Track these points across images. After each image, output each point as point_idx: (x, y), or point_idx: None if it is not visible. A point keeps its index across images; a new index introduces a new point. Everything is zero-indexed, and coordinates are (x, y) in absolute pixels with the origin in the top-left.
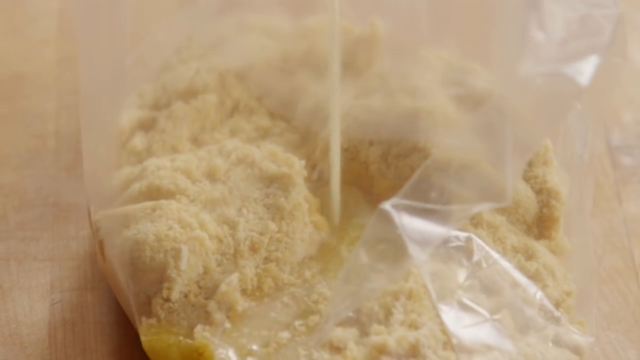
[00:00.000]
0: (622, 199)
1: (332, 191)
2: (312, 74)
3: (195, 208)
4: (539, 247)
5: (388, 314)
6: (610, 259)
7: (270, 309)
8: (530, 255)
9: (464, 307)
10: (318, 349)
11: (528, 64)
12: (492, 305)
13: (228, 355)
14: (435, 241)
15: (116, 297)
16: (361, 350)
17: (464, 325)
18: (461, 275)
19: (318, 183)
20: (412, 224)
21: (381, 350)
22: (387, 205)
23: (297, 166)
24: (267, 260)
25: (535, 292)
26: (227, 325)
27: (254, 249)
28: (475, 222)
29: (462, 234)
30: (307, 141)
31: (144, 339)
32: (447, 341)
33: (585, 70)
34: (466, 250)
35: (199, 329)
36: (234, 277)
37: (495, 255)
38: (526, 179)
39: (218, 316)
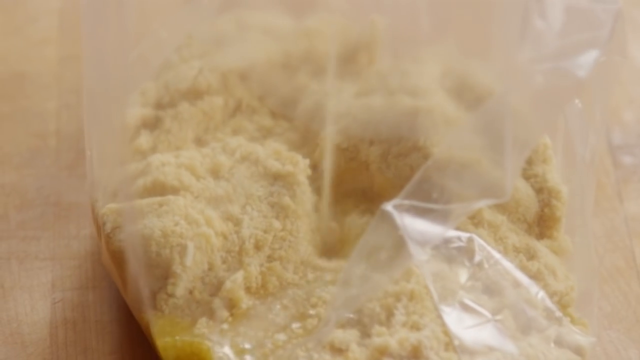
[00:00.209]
0: (623, 198)
1: (324, 191)
2: (313, 73)
3: (200, 204)
4: (540, 246)
5: (390, 315)
6: (611, 258)
7: (269, 311)
8: (531, 255)
9: (465, 308)
10: (318, 350)
11: (528, 51)
12: (493, 306)
13: (225, 353)
14: (436, 240)
15: (117, 296)
16: (363, 351)
17: (466, 326)
18: (463, 275)
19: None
20: (413, 225)
21: (383, 351)
22: (388, 207)
23: (301, 165)
24: (270, 258)
25: (537, 293)
26: (225, 325)
27: (258, 246)
28: (476, 222)
29: (464, 235)
30: (307, 140)
31: (158, 341)
32: (449, 342)
33: (584, 64)
34: (468, 251)
35: (202, 322)
36: (239, 275)
37: (497, 255)
38: (526, 177)
39: (222, 313)
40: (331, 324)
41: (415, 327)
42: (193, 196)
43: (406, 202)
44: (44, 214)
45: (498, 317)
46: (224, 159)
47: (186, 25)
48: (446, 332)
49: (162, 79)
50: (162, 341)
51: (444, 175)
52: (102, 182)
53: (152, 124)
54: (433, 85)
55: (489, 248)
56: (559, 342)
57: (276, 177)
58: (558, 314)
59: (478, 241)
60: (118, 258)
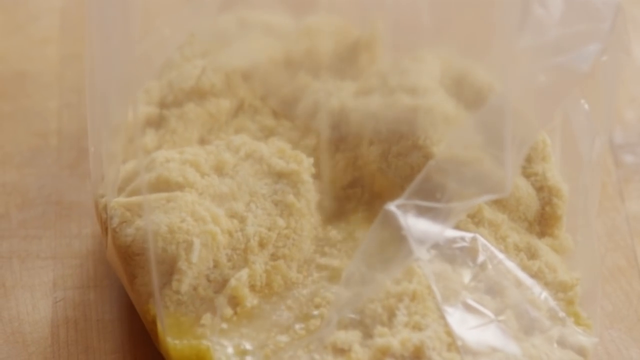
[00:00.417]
0: (624, 198)
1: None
2: (313, 72)
3: (205, 201)
4: (541, 245)
5: (391, 315)
6: (613, 257)
7: (273, 311)
8: (532, 254)
9: (468, 308)
10: (320, 351)
11: (528, 39)
12: (496, 306)
13: (226, 353)
14: (437, 238)
15: (119, 295)
16: (365, 352)
17: (469, 326)
18: (466, 276)
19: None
20: (417, 225)
21: (385, 352)
22: (392, 206)
23: (305, 163)
24: (274, 256)
25: (540, 293)
26: (224, 325)
27: (262, 244)
28: (477, 221)
29: (468, 235)
30: (307, 139)
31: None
32: (452, 343)
33: (585, 58)
34: (471, 251)
35: (206, 318)
36: (244, 273)
37: (500, 255)
38: (526, 175)
39: (226, 311)
40: (333, 324)
41: (418, 328)
42: (197, 193)
43: (409, 201)
44: (45, 213)
45: (501, 318)
46: (228, 157)
47: (189, 24)
48: (449, 332)
49: (166, 78)
50: (167, 342)
51: (446, 174)
52: (106, 178)
53: (157, 123)
54: (432, 83)
55: (492, 248)
56: (562, 343)
57: (280, 175)
58: (561, 314)
59: (481, 241)
60: (124, 253)
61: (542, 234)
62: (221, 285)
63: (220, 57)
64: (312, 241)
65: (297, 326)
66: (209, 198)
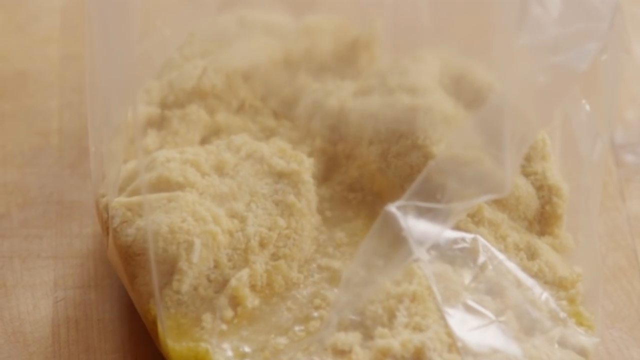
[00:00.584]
0: (625, 197)
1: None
2: (313, 72)
3: (205, 201)
4: (542, 244)
5: (392, 316)
6: (613, 257)
7: (273, 313)
8: (532, 253)
9: (469, 309)
10: (320, 353)
11: (526, 37)
12: (497, 307)
13: (225, 356)
14: (437, 238)
15: (120, 294)
16: (366, 353)
17: (470, 328)
18: (466, 277)
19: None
20: (417, 226)
21: (386, 353)
22: (392, 208)
23: (306, 163)
24: (275, 256)
25: (541, 294)
26: (224, 327)
27: (262, 244)
28: (477, 220)
29: (468, 236)
30: (307, 139)
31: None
32: (453, 344)
33: (583, 57)
34: (472, 252)
35: (206, 318)
36: (245, 273)
37: (500, 256)
38: (526, 174)
39: (227, 313)
40: (332, 325)
41: (418, 329)
42: (198, 193)
43: (410, 203)
44: (46, 213)
45: (501, 319)
46: (228, 156)
47: (189, 23)
48: (449, 333)
49: (166, 78)
50: (167, 344)
51: (446, 174)
52: (107, 177)
53: (158, 123)
54: (432, 83)
55: (492, 249)
56: (563, 343)
57: (281, 175)
58: (562, 314)
59: (482, 242)
60: (125, 253)
61: (542, 233)
62: (222, 285)
63: (220, 58)
64: (312, 241)
65: (297, 328)
66: (209, 198)
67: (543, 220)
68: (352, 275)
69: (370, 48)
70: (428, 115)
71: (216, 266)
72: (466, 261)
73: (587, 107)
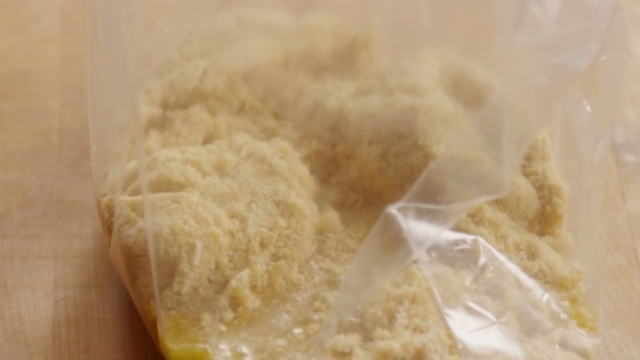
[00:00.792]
0: (625, 197)
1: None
2: (313, 72)
3: (206, 201)
4: (542, 244)
5: (392, 318)
6: (614, 256)
7: (272, 315)
8: (532, 253)
9: (469, 310)
10: (319, 355)
11: (524, 37)
12: (498, 308)
13: (224, 357)
14: (436, 239)
15: (120, 294)
16: (367, 355)
17: (470, 329)
18: (467, 278)
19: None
20: (417, 227)
21: (386, 355)
22: (392, 209)
23: (300, 172)
24: (275, 256)
25: (542, 295)
26: (223, 328)
27: (263, 244)
28: (477, 220)
29: (469, 237)
30: (307, 140)
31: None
32: (453, 345)
33: (582, 56)
34: (472, 253)
35: (206, 318)
36: (245, 273)
37: (501, 257)
38: (526, 174)
39: (227, 314)
40: (332, 327)
41: (418, 330)
42: (199, 193)
43: (410, 204)
44: (46, 213)
45: (502, 320)
46: (229, 156)
47: (189, 22)
48: (450, 334)
49: (167, 78)
50: (166, 345)
51: (446, 174)
52: (111, 177)
53: (160, 124)
54: (432, 83)
55: (493, 250)
56: (564, 345)
57: (281, 175)
58: (563, 316)
59: (483, 243)
60: (126, 254)
61: (542, 233)
62: (222, 286)
63: (221, 59)
64: (312, 242)
65: (296, 330)
66: (210, 198)
67: (543, 220)
68: (352, 277)
69: (369, 48)
70: (428, 115)
71: (217, 267)
72: (467, 262)
73: (588, 107)
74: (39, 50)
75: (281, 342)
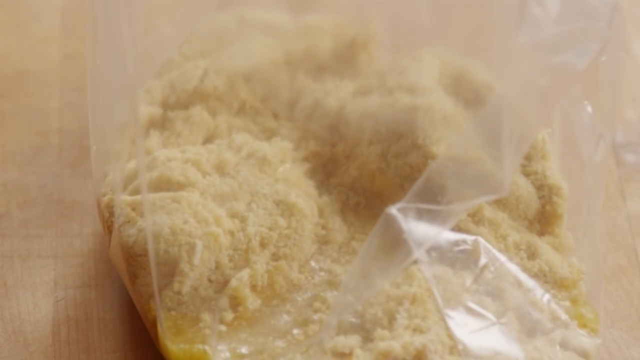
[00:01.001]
0: (625, 197)
1: None
2: (312, 71)
3: (206, 201)
4: (542, 243)
5: (392, 319)
6: (614, 256)
7: (272, 315)
8: (532, 253)
9: (470, 311)
10: (319, 356)
11: (524, 36)
12: (498, 309)
13: (223, 358)
14: (436, 239)
15: (120, 294)
16: (367, 356)
17: (471, 330)
18: (467, 279)
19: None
20: (418, 228)
21: (387, 355)
22: (393, 210)
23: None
24: (275, 256)
25: (542, 295)
26: (223, 328)
27: (263, 244)
28: (477, 220)
29: (470, 237)
30: (307, 140)
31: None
32: (454, 346)
33: (582, 56)
34: (473, 253)
35: (205, 318)
36: (245, 273)
37: (502, 257)
38: (526, 174)
39: (227, 315)
40: (332, 327)
41: (419, 330)
42: (199, 192)
43: (411, 204)
44: (46, 212)
45: (503, 320)
46: (229, 156)
47: (189, 22)
48: (450, 335)
49: (167, 78)
50: (166, 345)
51: (446, 174)
52: (111, 176)
53: (160, 124)
54: (431, 83)
55: (494, 250)
56: (565, 345)
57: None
58: (564, 316)
59: (483, 243)
60: (126, 253)
61: (542, 233)
62: (222, 285)
63: (221, 59)
64: (312, 242)
65: (295, 331)
66: (210, 198)
67: (543, 220)
68: (352, 278)
69: (368, 48)
70: (428, 115)
71: (217, 267)
72: (467, 263)
73: (589, 108)
74: (39, 49)
75: (281, 343)
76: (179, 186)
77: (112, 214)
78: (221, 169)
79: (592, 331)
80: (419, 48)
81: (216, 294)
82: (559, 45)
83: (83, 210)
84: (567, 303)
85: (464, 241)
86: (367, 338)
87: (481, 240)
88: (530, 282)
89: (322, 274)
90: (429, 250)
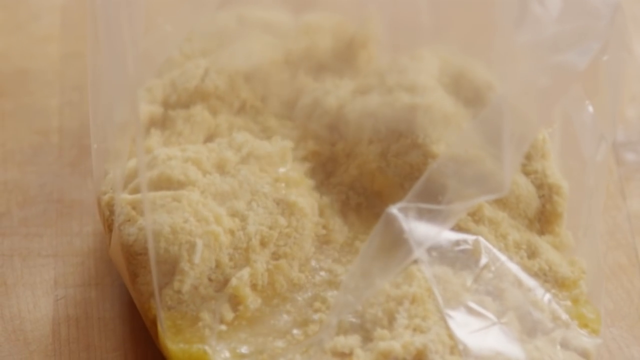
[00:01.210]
0: (625, 195)
1: None
2: (312, 71)
3: (207, 200)
4: (542, 242)
5: (392, 319)
6: (614, 255)
7: (272, 315)
8: (533, 252)
9: (470, 311)
10: (319, 356)
11: (525, 35)
12: (498, 309)
13: (223, 358)
14: (437, 239)
15: (120, 293)
16: (367, 356)
17: (471, 330)
18: (467, 278)
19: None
20: (418, 228)
21: (387, 355)
22: (394, 210)
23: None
24: (275, 255)
25: (543, 295)
26: (223, 327)
27: (263, 243)
28: (477, 219)
29: (470, 237)
30: (307, 139)
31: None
32: (454, 346)
33: (583, 55)
34: (474, 253)
35: (205, 317)
36: (245, 272)
37: (502, 257)
38: (526, 173)
39: (227, 314)
40: (332, 327)
41: (419, 330)
42: (199, 191)
43: (411, 204)
44: (46, 211)
45: (503, 320)
46: (230, 155)
47: (190, 20)
48: (451, 335)
49: (168, 77)
50: (166, 344)
51: (447, 174)
52: (112, 175)
53: (161, 123)
54: (431, 81)
55: (494, 250)
56: (565, 345)
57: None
58: (564, 316)
59: (484, 243)
60: (126, 252)
61: (542, 232)
62: (222, 284)
63: (222, 58)
64: (313, 241)
65: (295, 331)
66: (210, 196)
67: (543, 219)
68: (352, 277)
69: (367, 47)
70: (427, 114)
71: (217, 266)
72: (467, 263)
73: (590, 108)
74: (39, 48)
75: (280, 343)
76: (180, 185)
77: (112, 212)
78: (221, 168)
79: (593, 332)
80: (419, 47)
81: (216, 293)
82: (560, 44)
83: (83, 209)
84: (569, 303)
85: (465, 241)
86: (367, 338)
87: (482, 240)
88: (530, 282)
89: (323, 273)
90: (429, 250)
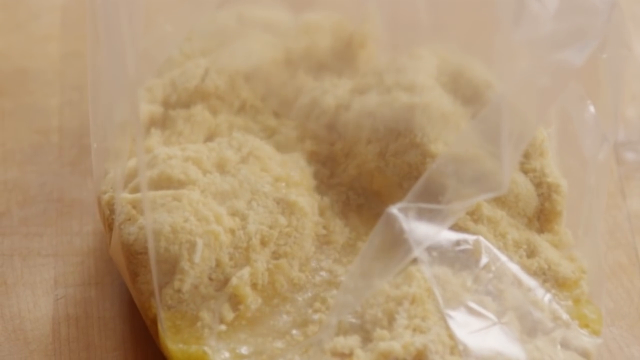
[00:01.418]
0: (625, 195)
1: None
2: (312, 70)
3: (207, 199)
4: (541, 241)
5: (391, 319)
6: (614, 255)
7: (272, 315)
8: (532, 250)
9: (470, 311)
10: (318, 356)
11: (523, 32)
12: (499, 309)
13: (222, 358)
14: (436, 239)
15: (120, 292)
16: (367, 356)
17: (471, 330)
18: (468, 278)
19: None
20: (418, 228)
21: (387, 356)
22: (394, 210)
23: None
24: (276, 254)
25: (543, 295)
26: (223, 327)
27: (263, 242)
28: (476, 218)
29: (471, 237)
30: (307, 138)
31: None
32: (454, 346)
33: (580, 53)
34: (474, 253)
35: (205, 317)
36: (245, 271)
37: (502, 257)
38: (525, 171)
39: (227, 314)
40: (331, 327)
41: (418, 330)
42: (199, 190)
43: (411, 204)
44: (46, 211)
45: (503, 320)
46: (230, 154)
47: (190, 19)
48: (451, 335)
49: (168, 76)
50: (166, 344)
51: (446, 173)
52: (112, 174)
53: (161, 122)
54: (429, 81)
55: (495, 250)
56: (566, 345)
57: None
58: (565, 316)
59: (485, 243)
60: (127, 251)
61: (541, 230)
62: (223, 284)
63: (222, 58)
64: (313, 241)
65: (294, 332)
66: (210, 196)
67: (542, 217)
68: (352, 277)
69: (366, 46)
70: (426, 113)
71: (217, 265)
72: (467, 263)
73: (592, 107)
74: (39, 48)
75: (280, 343)
76: (180, 184)
77: (112, 211)
78: (222, 167)
79: (594, 332)
80: (417, 46)
81: (217, 292)
82: (558, 41)
83: (83, 209)
84: (570, 303)
85: (465, 241)
86: (367, 338)
87: (482, 239)
88: (531, 282)
89: (323, 273)
90: (429, 250)
